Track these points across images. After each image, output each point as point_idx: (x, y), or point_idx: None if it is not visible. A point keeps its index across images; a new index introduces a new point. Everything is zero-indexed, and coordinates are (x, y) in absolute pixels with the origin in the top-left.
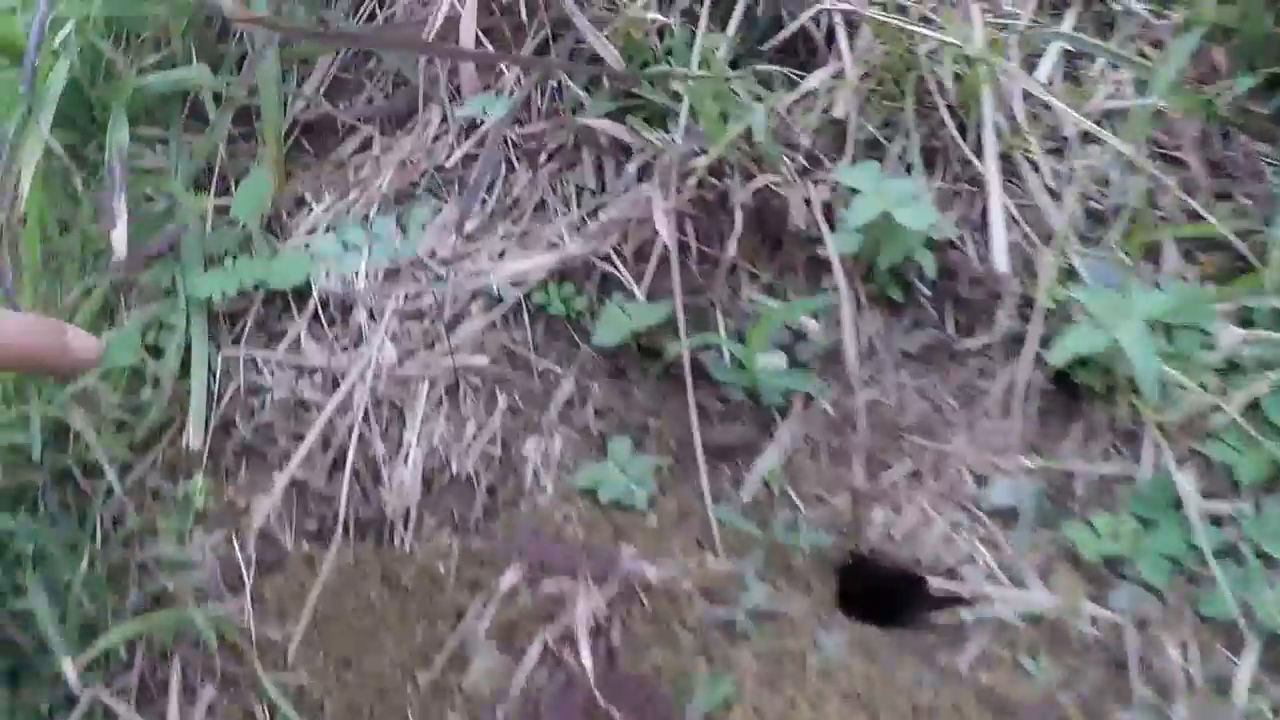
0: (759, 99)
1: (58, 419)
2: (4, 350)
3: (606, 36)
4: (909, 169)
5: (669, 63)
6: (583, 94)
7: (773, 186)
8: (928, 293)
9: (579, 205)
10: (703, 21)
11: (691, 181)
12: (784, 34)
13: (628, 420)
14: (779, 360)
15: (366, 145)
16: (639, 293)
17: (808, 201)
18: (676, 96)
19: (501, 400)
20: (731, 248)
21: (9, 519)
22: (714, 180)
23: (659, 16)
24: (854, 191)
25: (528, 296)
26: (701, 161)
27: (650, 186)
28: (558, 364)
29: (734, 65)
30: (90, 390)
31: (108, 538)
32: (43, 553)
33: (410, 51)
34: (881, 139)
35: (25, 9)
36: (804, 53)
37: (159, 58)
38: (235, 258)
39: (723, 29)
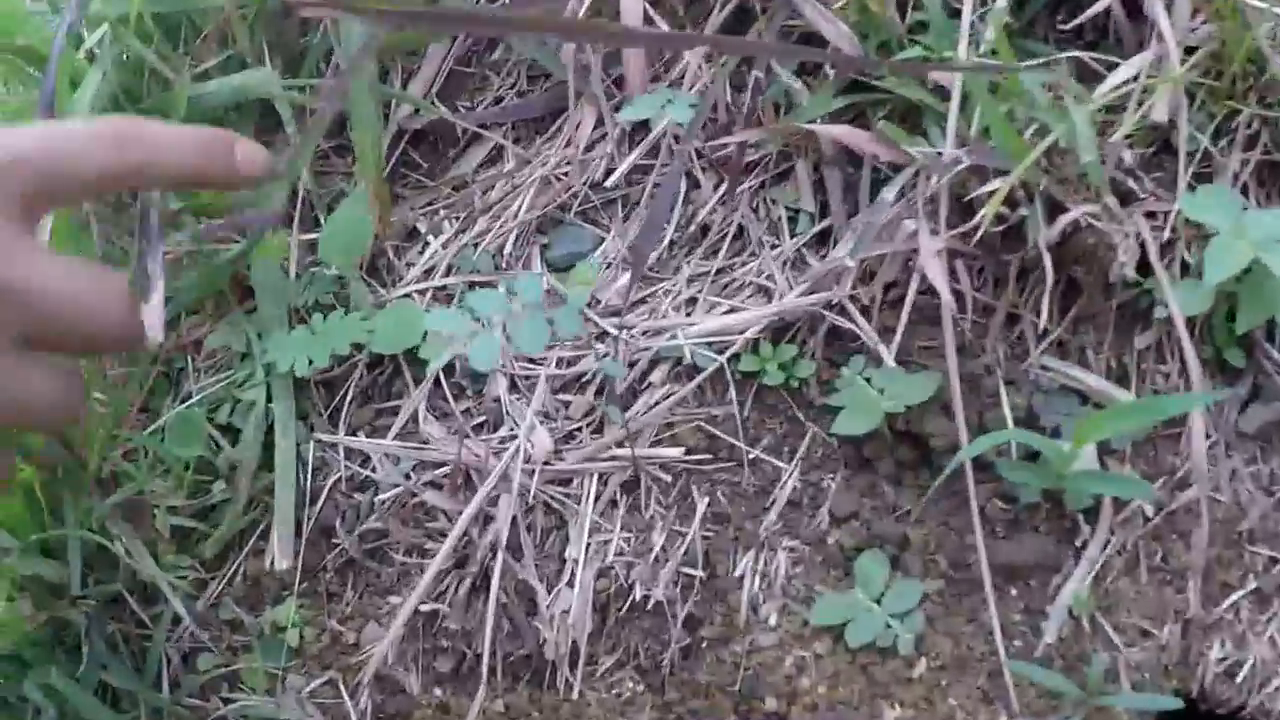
0: (1055, 95)
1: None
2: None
3: (834, 9)
4: (1244, 190)
5: (920, 46)
6: (796, 85)
7: (1091, 220)
8: (1278, 356)
9: (791, 234)
10: None
11: (987, 213)
12: (1092, 9)
13: (878, 530)
14: (1090, 455)
15: (495, 158)
16: (887, 355)
17: (1140, 241)
18: (940, 91)
19: (700, 501)
20: (1043, 311)
21: (19, 676)
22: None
23: None
24: (1199, 228)
25: (733, 360)
26: (995, 186)
27: (907, 212)
28: (776, 452)
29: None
30: (144, 492)
31: (176, 684)
32: (78, 716)
33: (551, 35)
34: (1214, 150)
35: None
36: (1090, 32)
37: (223, 58)
38: (327, 313)
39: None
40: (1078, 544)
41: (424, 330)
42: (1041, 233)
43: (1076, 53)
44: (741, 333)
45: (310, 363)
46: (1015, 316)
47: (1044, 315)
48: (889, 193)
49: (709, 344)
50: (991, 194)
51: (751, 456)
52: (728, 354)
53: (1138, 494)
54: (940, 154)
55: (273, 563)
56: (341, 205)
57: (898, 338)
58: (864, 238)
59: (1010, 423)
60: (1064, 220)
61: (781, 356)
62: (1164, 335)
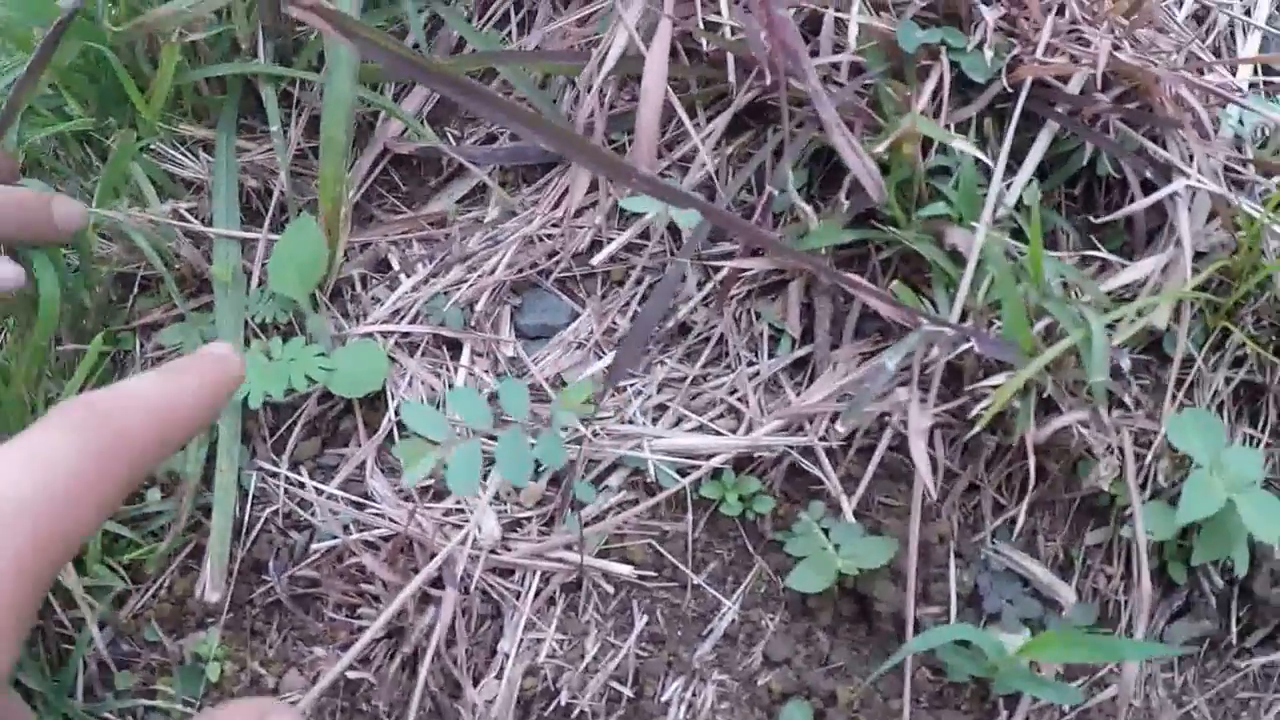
0: (1070, 289)
1: None
2: None
3: (865, 143)
4: (1220, 409)
5: (944, 201)
6: (806, 208)
7: (1080, 427)
8: (1220, 584)
9: (770, 354)
10: (1003, 157)
11: (988, 411)
12: (1129, 209)
13: (809, 680)
14: (1019, 642)
15: (479, 199)
16: (847, 508)
17: (1118, 453)
18: (955, 256)
19: (639, 619)
20: (1009, 491)
21: None
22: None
23: (957, 137)
24: (1177, 453)
25: (694, 485)
26: (998, 382)
27: (893, 376)
28: (720, 581)
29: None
30: None
31: (93, 694)
32: None
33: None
34: (1203, 365)
35: None
36: (1101, 208)
37: (217, 32)
38: (285, 336)
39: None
40: None
41: (384, 376)
42: (1031, 432)
43: (1099, 254)
44: (709, 458)
45: (264, 395)
46: (975, 486)
47: (1008, 496)
48: (891, 361)
49: (675, 465)
50: (993, 388)
51: (695, 583)
52: (691, 479)
53: (1065, 700)
54: (945, 328)
55: (203, 592)
56: (288, 230)
57: (860, 491)
58: (858, 404)
59: (954, 599)
60: (1056, 424)
61: (743, 489)
62: (1115, 537)
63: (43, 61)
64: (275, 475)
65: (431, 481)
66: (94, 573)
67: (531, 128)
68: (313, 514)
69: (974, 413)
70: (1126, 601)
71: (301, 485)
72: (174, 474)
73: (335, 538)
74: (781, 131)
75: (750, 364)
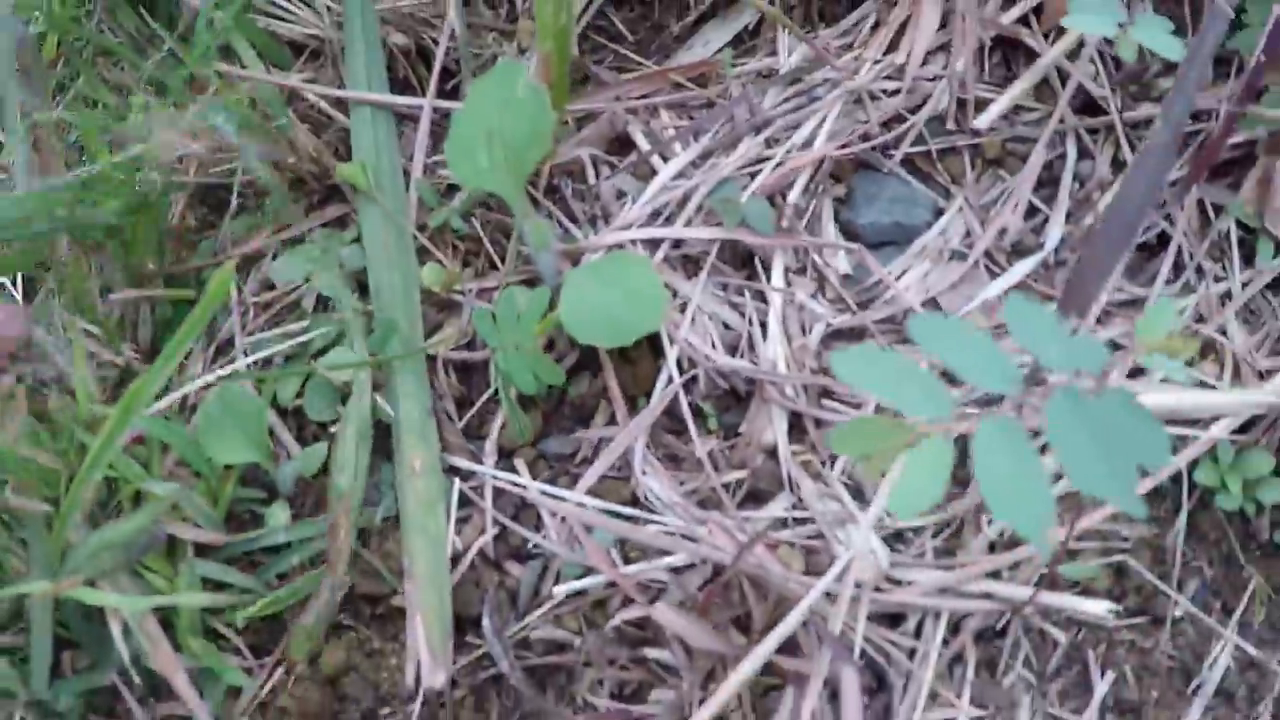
0: None
1: None
2: None
3: None
4: None
5: None
6: None
7: None
8: None
9: (1243, 264)
10: None
11: None
12: None
13: None
14: None
15: (752, 45)
16: None
17: None
18: None
19: (1100, 677)
20: None
21: None
22: None
23: None
24: None
25: (1190, 468)
26: None
27: None
28: (1205, 607)
29: None
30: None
31: None
32: None
33: None
34: None
35: None
36: None
37: None
38: (473, 259)
39: None
40: None
41: (663, 309)
42: None
43: None
44: (1208, 425)
45: (536, 379)
46: None
47: None
48: None
49: None
50: None
51: (1176, 614)
52: (1185, 457)
53: None
54: None
55: (418, 676)
56: (477, 84)
57: None
58: None
59: None
60: None
61: (1246, 470)
62: None
63: None
64: (476, 476)
65: (743, 475)
66: (191, 649)
67: None
68: (544, 535)
69: None
70: None
71: (521, 489)
72: (310, 480)
73: (594, 575)
74: None
75: (1217, 279)
